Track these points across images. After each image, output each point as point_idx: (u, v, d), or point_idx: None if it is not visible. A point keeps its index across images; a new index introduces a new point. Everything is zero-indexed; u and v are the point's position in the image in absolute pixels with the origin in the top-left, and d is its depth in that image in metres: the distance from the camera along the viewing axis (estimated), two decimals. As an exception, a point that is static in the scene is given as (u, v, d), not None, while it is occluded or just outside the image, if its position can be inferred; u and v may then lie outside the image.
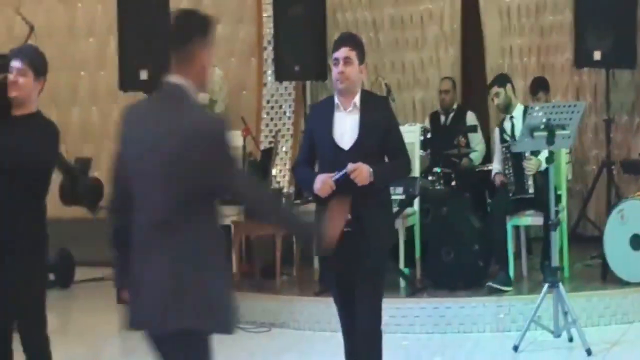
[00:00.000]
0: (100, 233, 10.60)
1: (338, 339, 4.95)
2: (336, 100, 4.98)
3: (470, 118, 9.36)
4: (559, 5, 9.74)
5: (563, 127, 6.56)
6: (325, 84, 10.02)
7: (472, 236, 7.66)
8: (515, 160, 7.72)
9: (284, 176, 9.85)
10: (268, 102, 10.38)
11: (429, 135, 8.63)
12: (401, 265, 7.83)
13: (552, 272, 6.65)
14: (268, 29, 10.09)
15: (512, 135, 7.85)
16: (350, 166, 4.71)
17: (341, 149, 4.87)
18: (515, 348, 6.63)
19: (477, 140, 9.20)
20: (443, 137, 8.89)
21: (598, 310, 7.28)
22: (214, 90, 9.75)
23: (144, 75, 8.76)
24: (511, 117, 7.95)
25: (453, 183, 8.44)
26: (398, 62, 10.23)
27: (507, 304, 7.28)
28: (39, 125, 4.89)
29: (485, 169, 8.68)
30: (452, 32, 10.00)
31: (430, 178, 8.44)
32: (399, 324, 7.32)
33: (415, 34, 10.17)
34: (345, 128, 4.91)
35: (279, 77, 9.85)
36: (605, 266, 7.63)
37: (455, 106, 9.53)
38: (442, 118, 9.52)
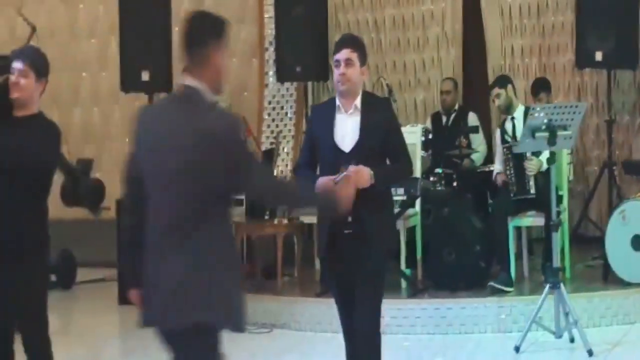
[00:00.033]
0: (102, 234, 10.67)
1: (339, 340, 4.94)
2: (337, 102, 4.96)
3: (472, 119, 9.35)
4: (560, 5, 9.74)
5: (564, 128, 6.56)
6: (326, 84, 10.03)
7: (473, 237, 7.66)
8: (516, 160, 7.72)
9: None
10: (269, 103, 10.38)
11: (430, 136, 8.63)
12: (402, 266, 7.83)
13: (554, 273, 6.65)
14: (269, 30, 10.09)
15: (513, 136, 7.85)
16: (351, 169, 4.68)
17: (342, 152, 4.86)
18: (517, 349, 6.63)
19: (478, 141, 9.19)
20: (444, 138, 8.90)
21: (599, 311, 7.28)
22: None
23: (145, 76, 8.77)
24: (512, 118, 7.95)
25: (454, 184, 8.43)
26: (399, 63, 10.22)
27: (508, 304, 7.28)
28: (40, 126, 4.89)
29: (487, 169, 8.68)
30: (454, 32, 10.00)
31: (431, 179, 8.44)
32: (401, 324, 7.32)
33: (416, 35, 10.17)
34: (346, 130, 4.90)
35: (281, 77, 9.85)
36: (606, 267, 7.63)
37: (456, 107, 9.53)
38: (444, 119, 9.52)
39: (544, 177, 7.49)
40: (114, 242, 8.93)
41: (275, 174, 3.95)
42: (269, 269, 8.43)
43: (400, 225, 7.51)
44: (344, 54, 4.88)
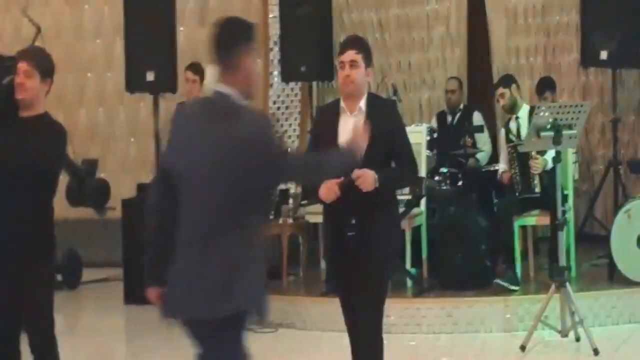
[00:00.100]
0: (107, 234, 10.68)
1: (345, 339, 4.94)
2: (342, 103, 4.94)
3: (477, 118, 9.35)
4: (565, 5, 9.73)
5: (570, 127, 6.56)
6: (331, 84, 10.04)
7: (479, 236, 7.66)
8: (521, 159, 7.72)
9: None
10: (274, 102, 10.38)
11: (435, 135, 8.62)
12: (408, 265, 7.83)
13: (559, 272, 6.65)
14: (274, 30, 10.09)
15: (518, 136, 7.85)
16: (355, 172, 4.64)
17: None
18: (523, 348, 6.63)
19: (483, 140, 9.19)
20: (449, 137, 8.90)
21: (605, 310, 7.28)
22: (209, 89, 9.77)
23: (150, 76, 8.77)
24: (517, 118, 7.95)
25: (460, 183, 8.43)
26: (404, 63, 10.22)
27: (514, 303, 7.28)
28: (46, 126, 4.90)
29: (492, 169, 8.67)
30: (459, 32, 9.99)
31: (436, 178, 8.44)
32: (407, 324, 7.32)
33: (421, 35, 10.16)
34: (351, 132, 4.87)
35: (285, 77, 9.85)
36: (612, 266, 7.63)
37: (461, 106, 9.53)
38: (449, 118, 9.52)
39: (549, 176, 7.49)
40: (119, 242, 8.98)
41: (298, 156, 4.13)
42: (274, 269, 8.43)
43: (406, 224, 7.51)
44: (349, 55, 4.85)
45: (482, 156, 9.13)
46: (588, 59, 8.81)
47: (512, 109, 7.99)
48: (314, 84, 10.06)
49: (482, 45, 9.98)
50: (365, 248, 4.77)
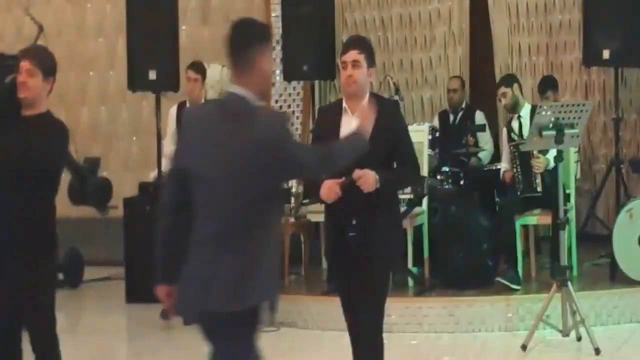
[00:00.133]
0: (109, 233, 10.67)
1: (346, 338, 4.95)
2: (344, 103, 4.93)
3: (479, 117, 9.36)
4: (567, 3, 9.72)
5: (572, 126, 6.56)
6: (333, 83, 10.04)
7: (480, 235, 7.66)
8: (523, 158, 7.72)
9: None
10: (276, 101, 10.39)
11: (437, 134, 8.62)
12: (409, 264, 7.83)
13: (561, 271, 6.65)
14: (276, 29, 10.06)
15: (520, 135, 7.86)
16: (357, 172, 4.63)
17: None
18: (524, 347, 6.63)
19: (485, 139, 9.19)
20: (451, 137, 8.89)
21: (607, 309, 7.28)
22: (223, 90, 9.76)
23: (152, 75, 8.76)
24: (519, 117, 7.96)
25: (461, 182, 8.43)
26: (406, 62, 10.22)
27: (515, 303, 7.28)
28: (48, 125, 4.90)
29: (494, 168, 8.67)
30: (461, 31, 9.99)
31: (438, 177, 8.44)
32: (408, 323, 7.32)
33: (423, 33, 10.16)
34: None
35: (287, 76, 9.85)
36: (614, 265, 7.63)
37: (463, 105, 9.53)
38: (451, 117, 9.51)
39: (551, 176, 7.49)
40: (121, 240, 8.99)
41: (312, 149, 4.20)
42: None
43: (407, 223, 7.51)
44: (351, 55, 4.83)
45: (484, 155, 9.13)
46: (590, 58, 8.80)
47: (514, 108, 8.00)
48: (316, 83, 10.06)
49: (484, 44, 9.98)
50: (366, 249, 4.76)
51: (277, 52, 10.15)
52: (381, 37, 10.21)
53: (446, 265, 7.74)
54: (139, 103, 10.78)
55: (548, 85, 9.16)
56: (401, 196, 7.19)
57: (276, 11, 10.14)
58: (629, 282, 7.47)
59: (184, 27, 10.17)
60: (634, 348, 6.76)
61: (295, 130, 10.27)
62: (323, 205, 5.07)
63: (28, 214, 4.78)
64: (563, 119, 6.53)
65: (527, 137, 7.14)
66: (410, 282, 7.83)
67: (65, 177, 8.43)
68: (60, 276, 9.10)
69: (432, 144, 8.44)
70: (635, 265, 7.48)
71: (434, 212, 8.19)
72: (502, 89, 8.06)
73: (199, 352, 7.60)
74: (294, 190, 9.03)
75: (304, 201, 8.43)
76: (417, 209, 7.83)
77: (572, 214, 7.85)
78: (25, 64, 4.85)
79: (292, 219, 8.49)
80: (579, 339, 6.74)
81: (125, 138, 11.20)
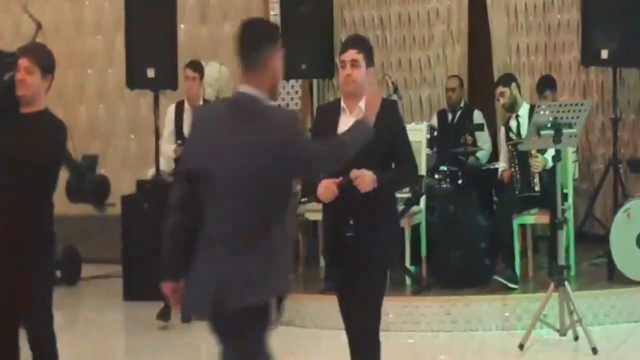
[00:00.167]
0: (107, 230, 10.64)
1: (344, 336, 4.94)
2: (342, 103, 4.92)
3: (477, 116, 9.36)
4: (566, 3, 9.73)
5: (570, 126, 6.56)
6: (332, 82, 10.03)
7: (478, 234, 7.67)
8: (521, 158, 7.73)
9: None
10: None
11: (435, 134, 8.62)
12: (407, 263, 7.83)
13: (558, 271, 6.66)
14: (275, 27, 10.07)
15: (518, 134, 7.86)
16: (354, 172, 4.61)
17: None
18: (521, 346, 6.64)
19: (483, 138, 9.19)
20: (450, 136, 8.90)
21: (604, 309, 7.28)
22: (221, 89, 9.77)
23: (150, 73, 8.76)
24: (517, 116, 7.96)
25: (459, 181, 8.43)
26: (405, 60, 10.21)
27: (513, 302, 7.29)
28: (46, 122, 4.90)
29: (492, 167, 8.68)
30: (459, 30, 9.99)
31: (436, 176, 8.44)
32: (405, 322, 7.33)
33: (422, 32, 10.15)
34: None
35: (286, 75, 9.78)
36: (611, 265, 7.63)
37: (462, 104, 9.53)
38: (449, 116, 9.51)
39: (549, 175, 7.49)
40: (118, 238, 8.98)
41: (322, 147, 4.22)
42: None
43: (405, 222, 7.51)
44: (350, 54, 4.81)
45: (482, 154, 9.13)
46: (589, 57, 8.80)
47: (512, 107, 8.01)
48: (315, 81, 10.05)
49: (482, 44, 9.98)
50: (364, 249, 4.75)
51: (275, 51, 10.15)
52: (380, 36, 10.21)
53: (444, 264, 7.74)
54: (137, 101, 10.77)
55: (546, 84, 9.16)
56: (399, 195, 7.19)
57: (275, 10, 10.14)
58: (627, 281, 7.48)
59: (182, 26, 10.16)
60: (632, 348, 6.77)
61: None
62: (320, 205, 5.07)
63: (26, 211, 4.78)
64: (561, 118, 6.54)
65: (525, 136, 7.15)
66: (408, 280, 7.83)
67: (63, 175, 8.42)
68: (58, 274, 9.09)
69: (431, 142, 8.44)
70: (633, 265, 7.49)
71: (432, 211, 8.20)
72: (501, 89, 8.06)
73: (196, 350, 7.63)
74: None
75: (302, 200, 8.42)
76: (414, 208, 7.83)
77: (569, 214, 7.86)
78: (23, 62, 4.85)
79: (290, 218, 8.47)
80: (576, 338, 6.74)
81: (123, 136, 11.19)
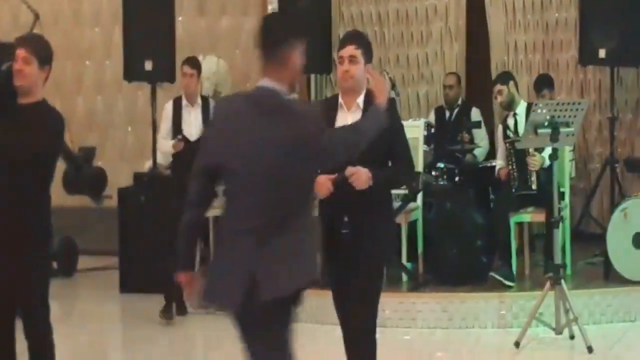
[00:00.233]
0: (103, 222, 10.62)
1: (339, 332, 4.95)
2: (340, 99, 4.89)
3: (475, 114, 9.36)
4: (564, 2, 9.72)
5: (567, 125, 6.57)
6: (329, 77, 10.02)
7: (474, 232, 7.67)
8: (518, 156, 7.73)
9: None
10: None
11: (432, 131, 8.62)
12: (404, 260, 7.83)
13: (555, 269, 6.66)
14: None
15: (515, 132, 7.86)
16: (349, 169, 4.59)
17: None
18: (517, 344, 6.64)
19: (481, 136, 9.19)
20: (447, 133, 8.89)
21: (600, 308, 7.29)
22: (219, 82, 9.75)
23: (148, 65, 8.75)
24: (514, 114, 7.96)
25: (456, 179, 8.44)
26: (403, 57, 10.21)
27: (509, 300, 7.29)
28: (44, 113, 4.88)
29: (489, 165, 8.68)
30: (457, 27, 9.98)
31: (433, 173, 8.44)
32: (401, 318, 7.33)
33: (420, 29, 10.15)
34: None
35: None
36: (607, 264, 7.64)
37: (459, 102, 9.52)
38: (447, 113, 9.51)
39: (545, 174, 7.50)
40: (115, 230, 8.98)
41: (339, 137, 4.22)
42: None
43: (402, 219, 7.51)
44: (348, 50, 4.79)
45: (480, 152, 9.14)
46: (586, 56, 8.81)
47: (510, 105, 8.01)
48: (312, 76, 10.04)
49: (480, 41, 9.98)
50: (359, 246, 4.74)
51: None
52: (377, 32, 10.20)
53: (440, 261, 7.75)
54: (134, 93, 10.76)
55: (544, 83, 9.16)
56: (396, 192, 7.18)
57: (273, 4, 10.11)
58: (623, 281, 7.49)
59: (180, 18, 10.13)
60: (627, 347, 6.78)
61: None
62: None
63: (23, 202, 4.76)
64: (558, 117, 6.54)
65: (522, 134, 7.15)
66: (404, 277, 7.83)
67: (60, 166, 8.42)
68: (55, 265, 9.08)
69: (428, 139, 8.44)
70: (629, 264, 7.49)
71: (429, 207, 8.19)
72: (498, 86, 8.06)
73: (192, 342, 7.63)
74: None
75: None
76: (411, 205, 7.83)
77: (566, 213, 7.86)
78: (21, 52, 4.83)
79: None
80: (571, 337, 6.74)
81: (120, 128, 11.17)
